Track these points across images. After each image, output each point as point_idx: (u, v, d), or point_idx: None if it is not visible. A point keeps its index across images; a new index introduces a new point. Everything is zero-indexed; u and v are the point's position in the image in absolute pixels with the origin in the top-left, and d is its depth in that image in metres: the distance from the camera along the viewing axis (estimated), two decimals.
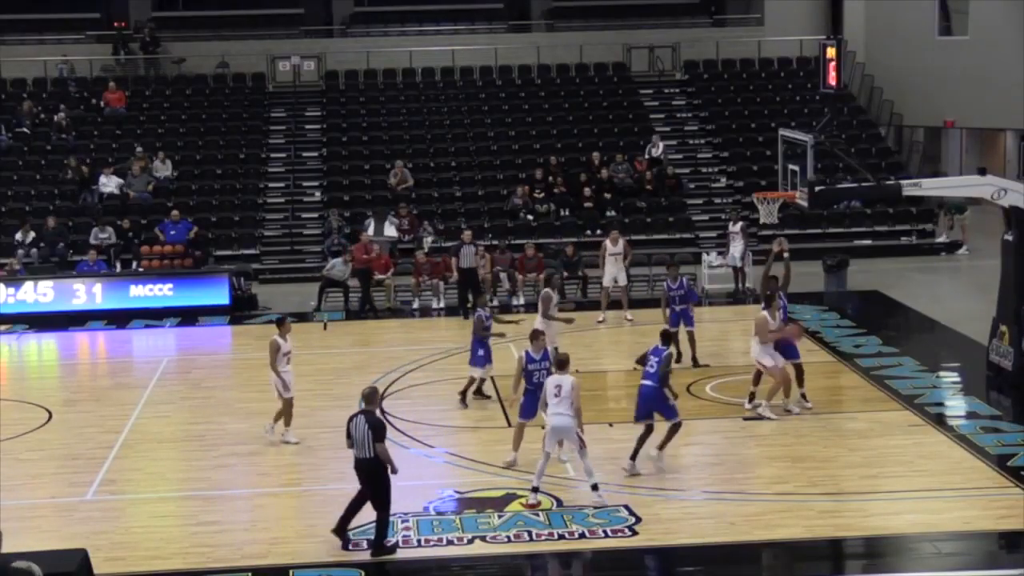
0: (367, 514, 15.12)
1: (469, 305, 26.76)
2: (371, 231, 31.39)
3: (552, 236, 32.42)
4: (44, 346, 26.18)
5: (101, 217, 32.27)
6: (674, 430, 16.80)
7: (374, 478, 14.40)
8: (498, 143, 36.93)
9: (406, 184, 34.45)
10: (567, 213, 33.63)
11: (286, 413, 18.44)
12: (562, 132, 37.13)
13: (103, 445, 18.57)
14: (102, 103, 37.71)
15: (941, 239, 33.68)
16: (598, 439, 17.84)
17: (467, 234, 27.75)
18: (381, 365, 22.72)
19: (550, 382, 15.84)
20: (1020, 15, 37.30)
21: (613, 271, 26.43)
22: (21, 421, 19.86)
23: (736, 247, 28.68)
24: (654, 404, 16.70)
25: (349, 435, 14.51)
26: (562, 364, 15.98)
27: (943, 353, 23.29)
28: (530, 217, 33.44)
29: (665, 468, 16.77)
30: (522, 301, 28.20)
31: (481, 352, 19.80)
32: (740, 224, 29.06)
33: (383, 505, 14.45)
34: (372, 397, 15.01)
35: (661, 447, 16.82)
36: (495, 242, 30.26)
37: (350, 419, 14.58)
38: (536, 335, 17.42)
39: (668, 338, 17.69)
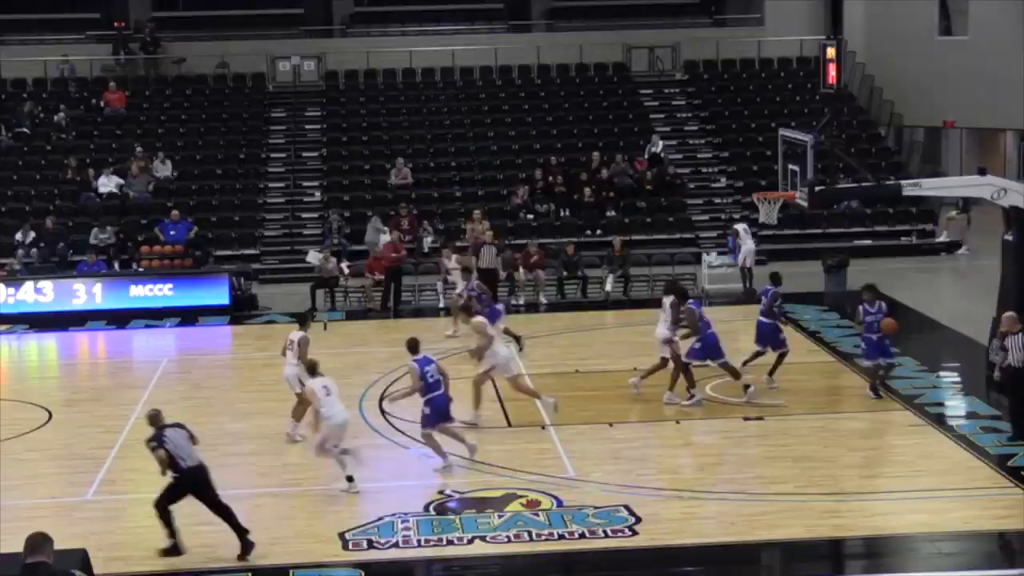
0: (367, 514, 15.14)
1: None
2: (370, 235, 31.33)
3: (552, 236, 32.39)
4: (44, 346, 26.17)
5: (101, 217, 32.27)
6: (781, 359, 20.30)
7: (204, 484, 14.26)
8: (498, 143, 36.91)
9: (405, 181, 34.43)
10: (567, 213, 33.63)
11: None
12: (562, 132, 37.11)
13: (103, 445, 18.54)
14: (102, 103, 37.70)
15: (941, 239, 33.68)
16: (598, 439, 17.86)
17: (489, 234, 27.76)
18: (381, 365, 22.67)
19: (317, 384, 16.06)
20: (1020, 15, 37.28)
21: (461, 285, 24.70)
22: (21, 421, 19.84)
23: (745, 247, 28.88)
24: (768, 338, 20.35)
25: (172, 455, 14.02)
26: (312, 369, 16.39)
27: (943, 353, 23.27)
28: (530, 217, 33.44)
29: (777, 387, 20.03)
30: (522, 301, 28.21)
31: None
32: (742, 225, 29.21)
33: (225, 508, 14.28)
34: (157, 419, 14.48)
35: (771, 373, 20.20)
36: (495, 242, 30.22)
37: (157, 439, 14.13)
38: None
39: (778, 279, 20.77)
